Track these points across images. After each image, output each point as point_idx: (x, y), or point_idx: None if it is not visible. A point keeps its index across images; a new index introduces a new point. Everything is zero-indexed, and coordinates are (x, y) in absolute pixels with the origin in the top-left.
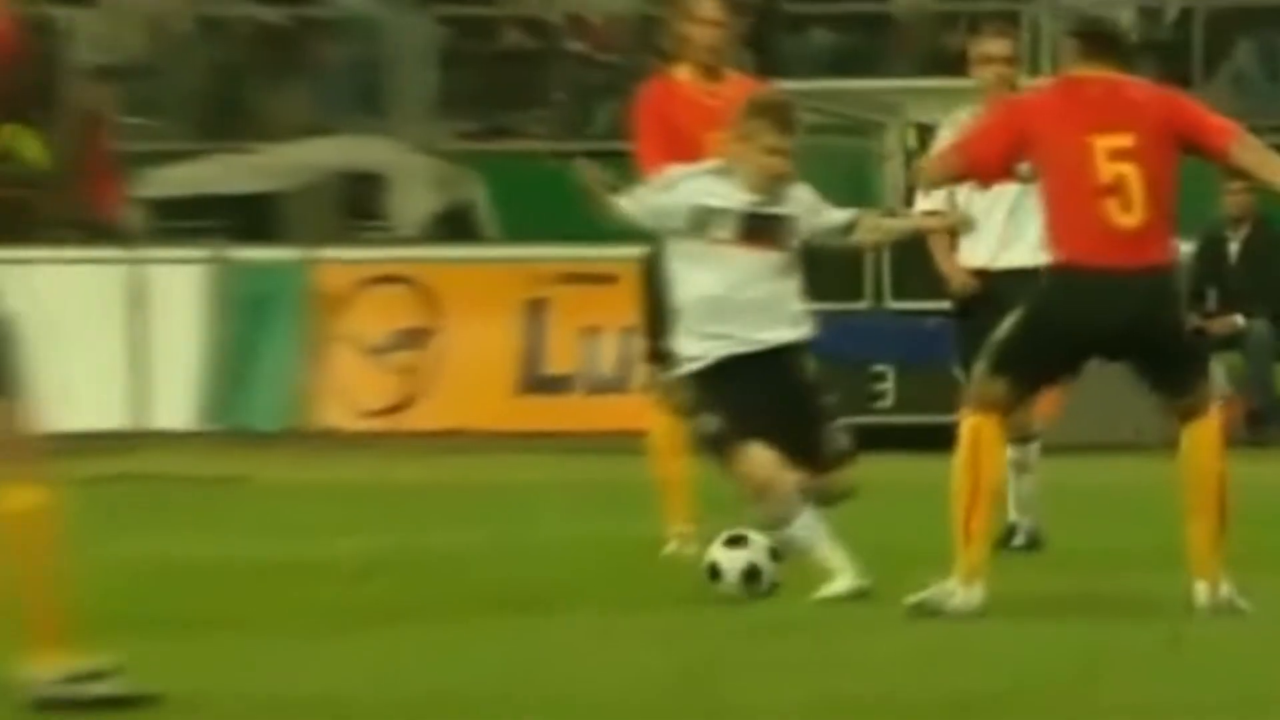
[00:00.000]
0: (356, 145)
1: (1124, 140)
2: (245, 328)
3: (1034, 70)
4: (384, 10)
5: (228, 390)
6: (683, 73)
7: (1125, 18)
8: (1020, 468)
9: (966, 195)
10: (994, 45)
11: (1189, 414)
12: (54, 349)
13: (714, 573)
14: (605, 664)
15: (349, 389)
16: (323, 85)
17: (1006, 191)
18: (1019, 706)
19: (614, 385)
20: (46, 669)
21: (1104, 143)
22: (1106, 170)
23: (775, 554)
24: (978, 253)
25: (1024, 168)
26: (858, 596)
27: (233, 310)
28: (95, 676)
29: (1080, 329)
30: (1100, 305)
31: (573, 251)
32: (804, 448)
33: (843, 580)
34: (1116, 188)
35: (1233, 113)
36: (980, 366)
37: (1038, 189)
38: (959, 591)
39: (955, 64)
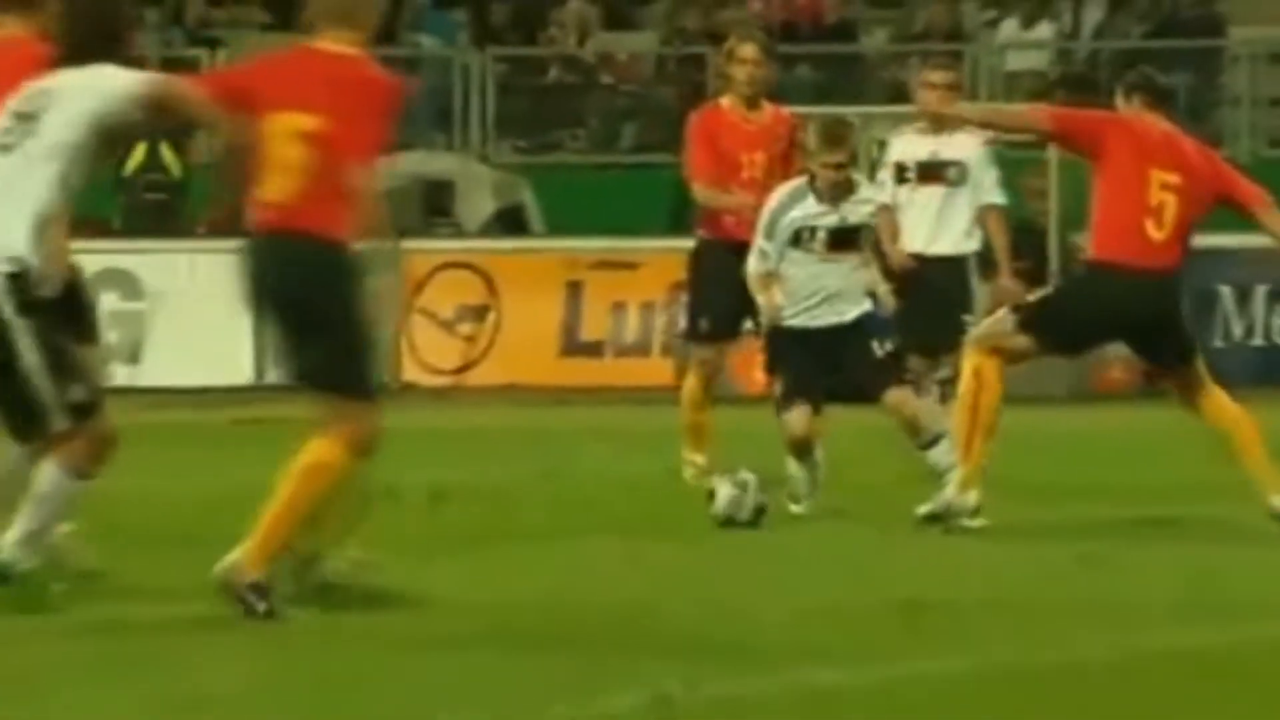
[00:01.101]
0: (432, 158)
1: (1173, 178)
2: None
3: (973, 98)
4: (454, 50)
5: None
6: (726, 102)
7: (1044, 56)
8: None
9: (908, 194)
10: (935, 75)
11: (1194, 383)
12: (193, 321)
13: (711, 495)
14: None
15: (426, 352)
16: (406, 109)
17: (937, 191)
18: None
19: (637, 350)
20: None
21: (1159, 176)
22: (1155, 196)
23: (761, 487)
24: (915, 240)
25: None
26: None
27: None
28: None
29: (1111, 311)
30: (1130, 294)
31: (603, 243)
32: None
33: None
34: (1158, 211)
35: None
36: (1007, 319)
37: (962, 193)
38: (957, 498)
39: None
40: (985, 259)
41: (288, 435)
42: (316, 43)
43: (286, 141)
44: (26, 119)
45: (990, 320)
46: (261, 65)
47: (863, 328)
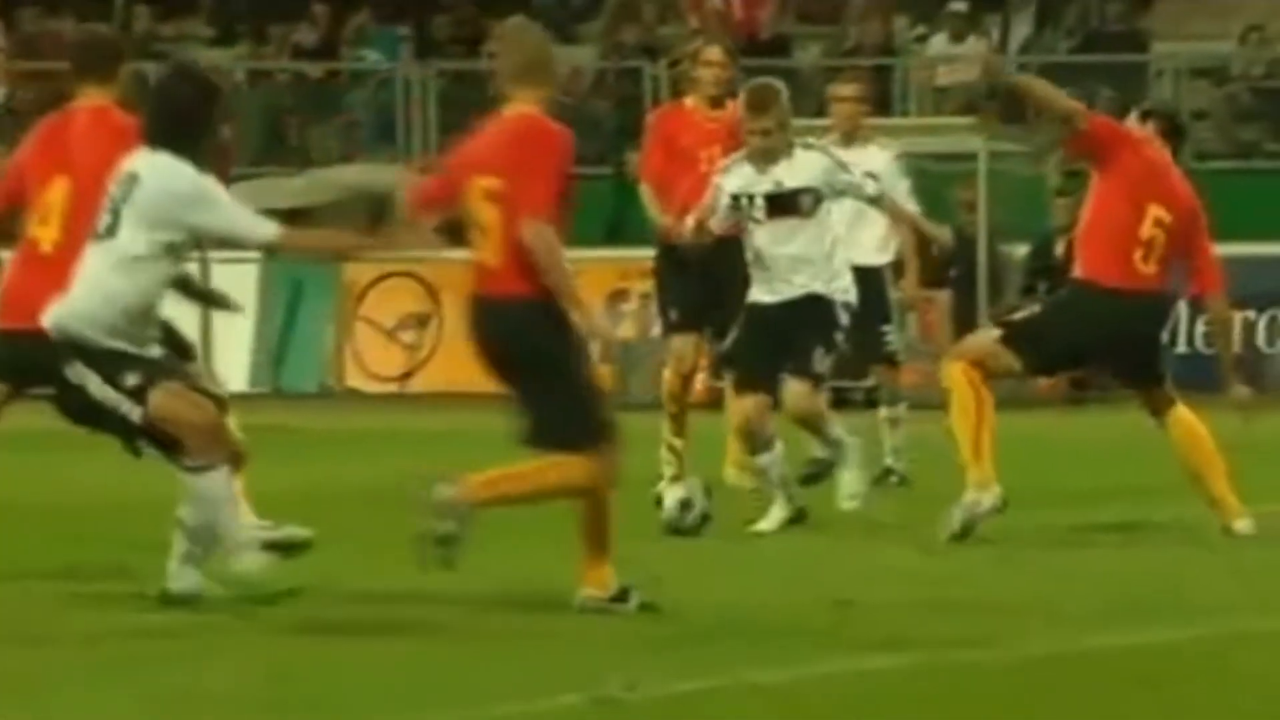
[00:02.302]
0: (374, 170)
1: (1167, 216)
2: (289, 311)
3: (904, 113)
4: (396, 64)
5: (274, 359)
6: (690, 102)
7: (973, 71)
8: (893, 423)
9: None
10: (845, 89)
11: (1165, 403)
12: None
13: (657, 501)
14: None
15: (369, 360)
16: (349, 122)
17: (848, 205)
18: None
19: None
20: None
21: (1155, 210)
22: (1148, 230)
23: (707, 491)
24: None
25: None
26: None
27: (279, 297)
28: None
29: (1096, 332)
30: (1115, 316)
31: None
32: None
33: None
34: (1148, 244)
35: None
36: (991, 334)
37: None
38: (983, 498)
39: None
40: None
41: (252, 441)
42: (505, 106)
43: (479, 205)
44: (114, 213)
45: (974, 336)
46: (466, 140)
47: (822, 304)
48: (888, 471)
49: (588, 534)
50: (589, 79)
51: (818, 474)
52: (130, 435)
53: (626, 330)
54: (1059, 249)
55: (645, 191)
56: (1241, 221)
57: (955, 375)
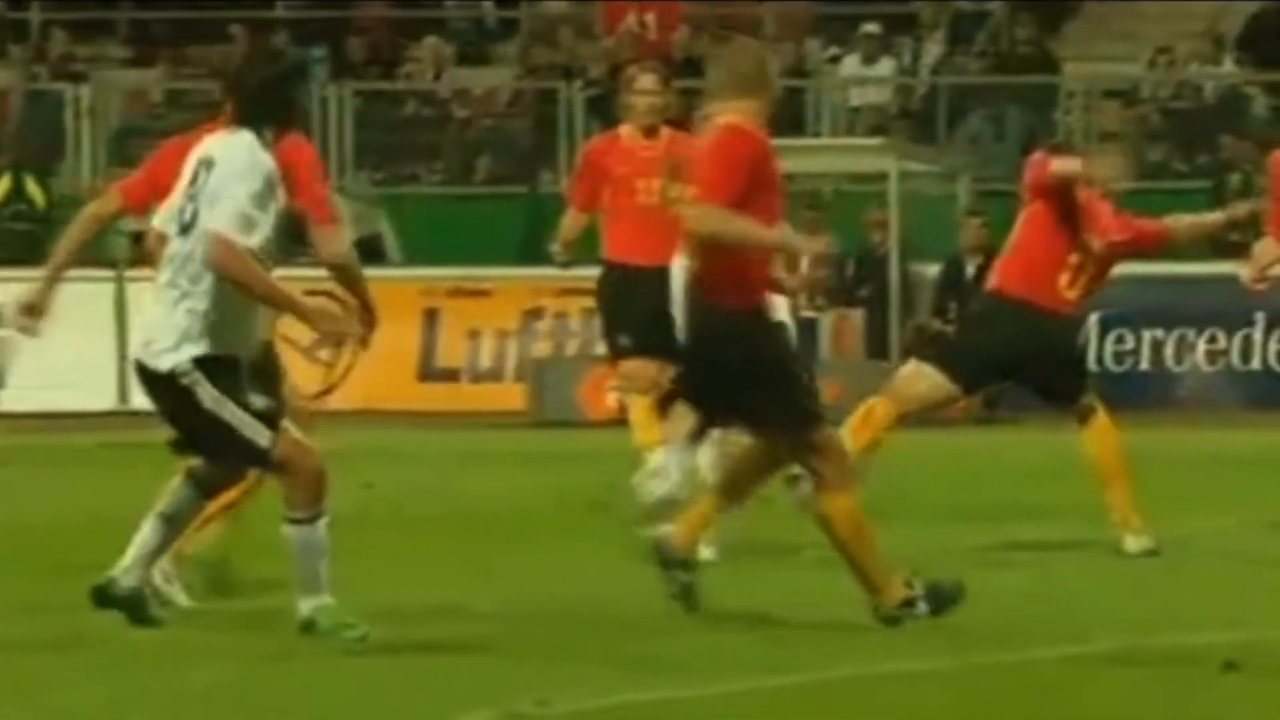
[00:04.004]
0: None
1: (1094, 243)
2: None
3: (816, 134)
4: (313, 84)
5: None
6: (625, 131)
7: (884, 92)
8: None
9: None
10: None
11: (1086, 413)
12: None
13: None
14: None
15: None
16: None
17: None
18: None
19: (491, 375)
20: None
21: (1084, 239)
22: (1078, 257)
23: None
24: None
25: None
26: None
27: None
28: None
29: (1014, 348)
30: (1033, 334)
31: (459, 272)
32: None
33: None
34: (1075, 270)
35: (967, 167)
36: (923, 370)
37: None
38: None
39: None
40: None
41: (153, 459)
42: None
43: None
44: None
45: (908, 378)
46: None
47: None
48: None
49: (853, 556)
50: (504, 100)
51: None
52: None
53: (541, 349)
54: (970, 269)
55: (568, 218)
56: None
57: (871, 410)
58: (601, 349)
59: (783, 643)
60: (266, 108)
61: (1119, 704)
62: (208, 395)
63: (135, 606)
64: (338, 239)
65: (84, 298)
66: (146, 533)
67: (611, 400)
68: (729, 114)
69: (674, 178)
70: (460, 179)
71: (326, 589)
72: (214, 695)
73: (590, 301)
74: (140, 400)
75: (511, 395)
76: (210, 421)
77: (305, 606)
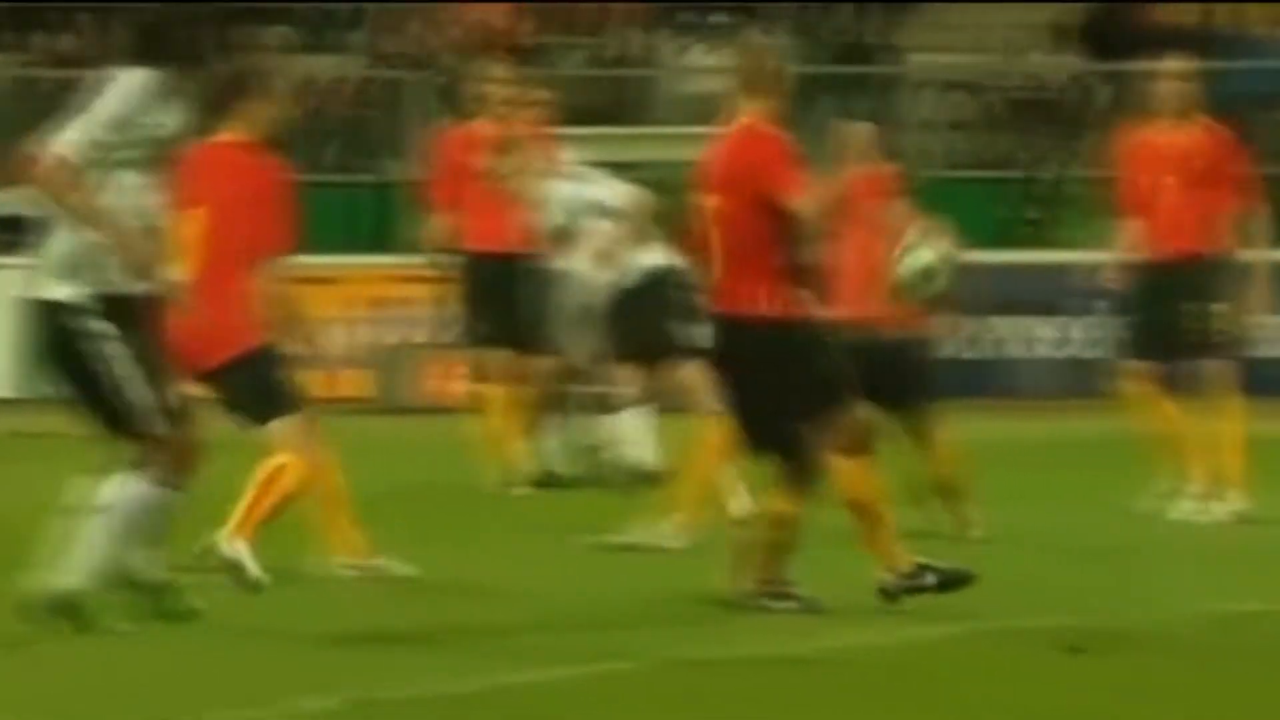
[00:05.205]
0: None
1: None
2: None
3: (665, 123)
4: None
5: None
6: (479, 122)
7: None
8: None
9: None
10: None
11: (919, 423)
12: None
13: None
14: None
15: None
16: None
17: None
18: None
19: (339, 363)
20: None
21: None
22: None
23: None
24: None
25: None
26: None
27: None
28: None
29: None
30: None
31: (306, 260)
32: None
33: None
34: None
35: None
36: None
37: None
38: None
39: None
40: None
41: (56, 449)
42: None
43: (710, 225)
44: None
45: None
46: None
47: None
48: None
49: (869, 531)
50: (352, 88)
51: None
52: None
53: (391, 336)
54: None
55: (435, 220)
56: (994, 230)
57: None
58: (451, 336)
59: (625, 627)
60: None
61: (970, 685)
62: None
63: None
64: None
65: None
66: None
67: (461, 388)
68: (744, 115)
69: (503, 152)
70: (309, 168)
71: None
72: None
73: (436, 289)
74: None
75: (359, 383)
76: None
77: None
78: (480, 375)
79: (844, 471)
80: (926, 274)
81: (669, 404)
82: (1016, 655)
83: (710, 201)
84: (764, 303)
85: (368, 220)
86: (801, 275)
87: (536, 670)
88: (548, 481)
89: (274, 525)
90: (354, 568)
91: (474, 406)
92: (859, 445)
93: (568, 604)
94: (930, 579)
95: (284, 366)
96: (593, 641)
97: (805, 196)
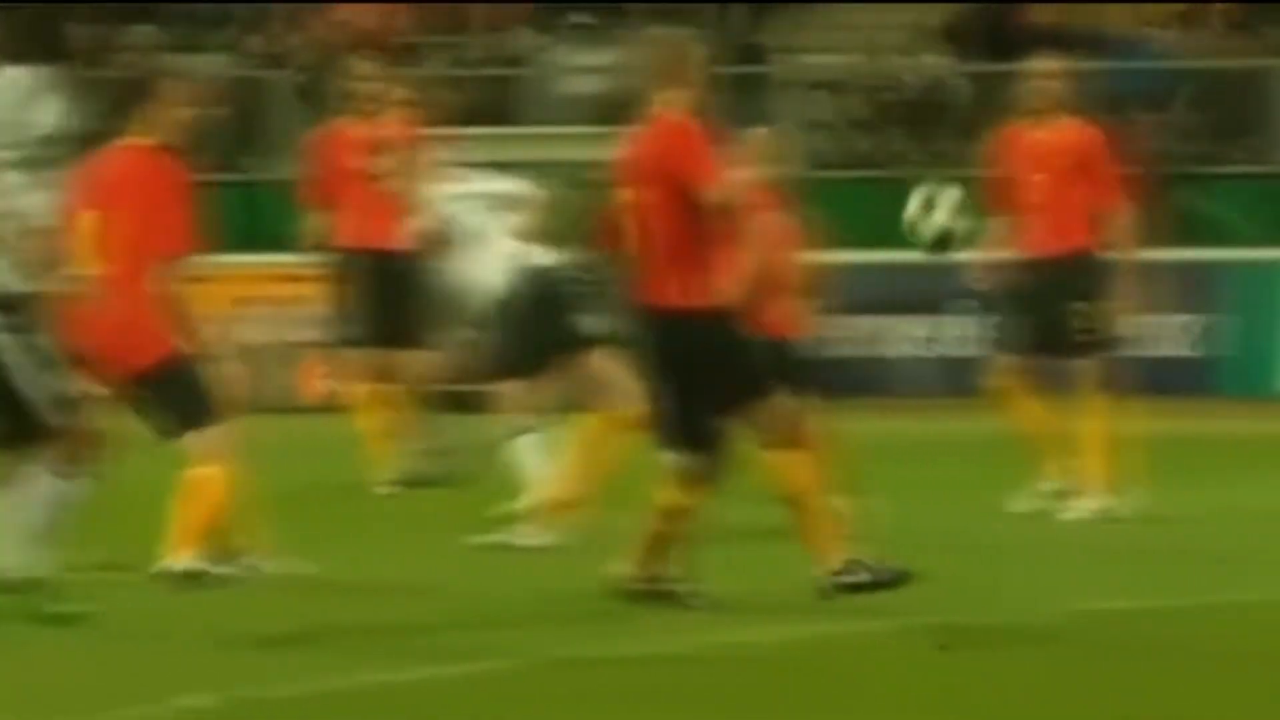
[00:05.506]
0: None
1: None
2: None
3: (531, 122)
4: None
5: None
6: (346, 120)
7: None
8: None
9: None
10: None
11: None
12: None
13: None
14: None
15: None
16: None
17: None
18: None
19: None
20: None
21: None
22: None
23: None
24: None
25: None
26: None
27: None
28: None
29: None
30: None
31: None
32: None
33: None
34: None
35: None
36: None
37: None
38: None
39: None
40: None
41: None
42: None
43: (631, 218)
44: None
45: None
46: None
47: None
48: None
49: (807, 510)
50: (218, 87)
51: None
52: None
53: (257, 335)
54: None
55: (312, 220)
56: (859, 230)
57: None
58: (321, 335)
59: (510, 625)
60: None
61: (843, 681)
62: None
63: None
64: None
65: None
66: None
67: (324, 387)
68: (661, 107)
69: (379, 153)
70: None
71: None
72: None
73: (304, 288)
74: None
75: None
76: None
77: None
78: (352, 374)
79: (779, 465)
80: (943, 237)
81: (576, 402)
82: (888, 652)
83: (631, 195)
84: (688, 294)
85: (234, 219)
86: (724, 266)
87: (421, 668)
88: (418, 481)
89: (161, 528)
90: (242, 567)
91: (343, 405)
92: (793, 438)
93: (453, 602)
94: (867, 576)
95: (202, 375)
96: (478, 640)
97: (720, 185)
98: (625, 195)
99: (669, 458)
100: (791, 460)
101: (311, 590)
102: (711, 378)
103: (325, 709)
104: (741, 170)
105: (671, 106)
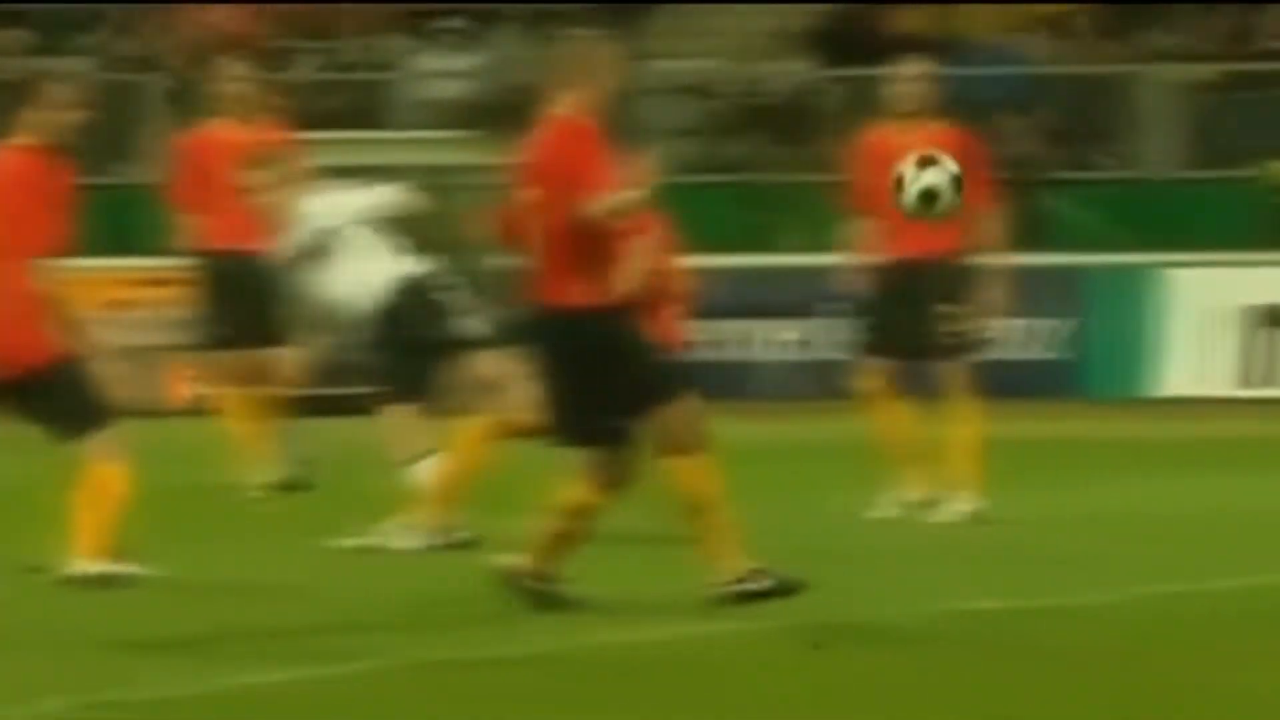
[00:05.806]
0: None
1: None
2: None
3: (398, 127)
4: None
5: None
6: (216, 123)
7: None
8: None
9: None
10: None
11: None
12: None
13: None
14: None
15: None
16: None
17: None
18: None
19: None
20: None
21: None
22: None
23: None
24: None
25: None
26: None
27: None
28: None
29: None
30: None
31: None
32: None
33: None
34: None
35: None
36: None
37: None
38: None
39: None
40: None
41: None
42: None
43: (531, 218)
44: None
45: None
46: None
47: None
48: None
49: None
50: (87, 90)
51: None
52: None
53: (128, 338)
54: None
55: (185, 222)
56: (726, 234)
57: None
58: (188, 338)
59: (379, 628)
60: None
61: (713, 681)
62: None
63: None
64: None
65: None
66: None
67: (192, 390)
68: (560, 108)
69: (255, 165)
70: None
71: None
72: None
73: (169, 292)
74: None
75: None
76: None
77: None
78: (219, 377)
79: (679, 470)
80: (927, 195)
81: (458, 406)
82: (763, 652)
83: (529, 194)
84: (585, 294)
85: (105, 222)
86: (617, 267)
87: (284, 670)
88: (288, 484)
89: (19, 531)
90: (105, 570)
91: (211, 408)
92: (693, 443)
93: (322, 605)
94: (764, 584)
95: (91, 377)
96: (348, 642)
97: (602, 200)
98: (524, 195)
99: (575, 456)
100: (692, 466)
101: (182, 593)
102: (613, 377)
103: (179, 712)
104: (629, 189)
105: (571, 108)
